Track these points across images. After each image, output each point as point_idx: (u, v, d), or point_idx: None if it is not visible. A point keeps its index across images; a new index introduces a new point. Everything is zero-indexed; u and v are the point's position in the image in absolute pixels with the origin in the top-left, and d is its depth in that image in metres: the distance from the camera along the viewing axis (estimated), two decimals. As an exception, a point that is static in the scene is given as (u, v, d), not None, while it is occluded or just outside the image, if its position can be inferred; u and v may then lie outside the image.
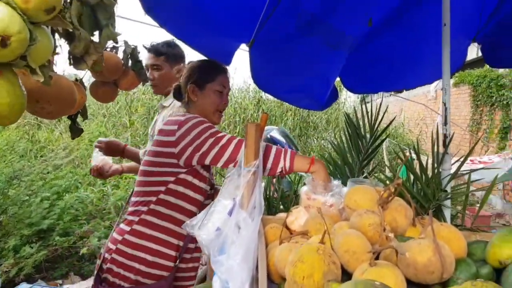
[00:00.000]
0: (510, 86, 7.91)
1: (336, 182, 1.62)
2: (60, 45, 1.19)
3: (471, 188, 1.83)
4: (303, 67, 2.55)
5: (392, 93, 11.19)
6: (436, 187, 1.76)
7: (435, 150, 1.88)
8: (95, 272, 1.77)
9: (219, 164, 1.65)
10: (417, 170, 1.84)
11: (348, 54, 2.54)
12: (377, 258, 0.96)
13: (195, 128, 1.66)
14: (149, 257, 1.70)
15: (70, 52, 1.12)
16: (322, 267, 0.93)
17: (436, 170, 1.82)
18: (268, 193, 2.09)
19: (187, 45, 1.86)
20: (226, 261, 1.19)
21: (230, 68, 2.06)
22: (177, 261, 1.77)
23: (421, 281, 0.89)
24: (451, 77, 2.34)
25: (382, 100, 3.28)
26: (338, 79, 2.92)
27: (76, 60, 1.16)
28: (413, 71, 2.83)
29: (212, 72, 1.87)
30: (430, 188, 1.77)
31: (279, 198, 2.07)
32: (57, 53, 1.15)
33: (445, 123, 1.97)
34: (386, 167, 3.67)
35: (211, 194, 1.88)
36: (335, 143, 2.34)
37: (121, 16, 1.22)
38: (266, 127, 4.09)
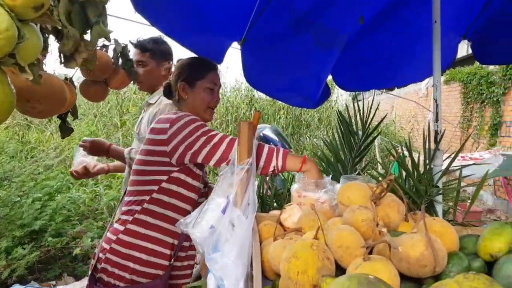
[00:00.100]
0: (500, 83, 7.99)
1: (328, 179, 1.62)
2: (50, 44, 1.18)
3: (463, 184, 1.85)
4: (295, 65, 2.55)
5: (384, 90, 11.25)
6: (428, 183, 1.78)
7: (427, 146, 1.89)
8: (90, 272, 1.76)
9: (211, 163, 1.64)
10: (409, 166, 1.85)
11: (340, 52, 2.55)
12: (370, 253, 0.97)
13: (187, 127, 1.65)
14: (144, 256, 1.69)
15: (59, 51, 1.11)
16: (316, 263, 0.94)
17: (427, 166, 1.84)
18: (261, 191, 2.10)
19: (179, 43, 1.85)
20: (220, 258, 1.19)
21: (222, 67, 2.06)
22: (172, 259, 1.77)
23: (414, 274, 0.90)
24: (442, 74, 2.36)
25: (373, 97, 3.30)
26: (330, 77, 2.93)
27: (66, 58, 1.15)
28: (405, 69, 2.85)
29: (202, 69, 1.87)
30: (422, 184, 1.78)
31: (273, 196, 2.08)
32: (47, 52, 1.14)
33: (436, 119, 1.99)
34: (379, 164, 3.69)
35: (205, 192, 1.88)
36: (328, 140, 2.35)
37: (111, 15, 1.21)
38: (259, 126, 4.09)
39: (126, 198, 1.79)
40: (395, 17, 2.45)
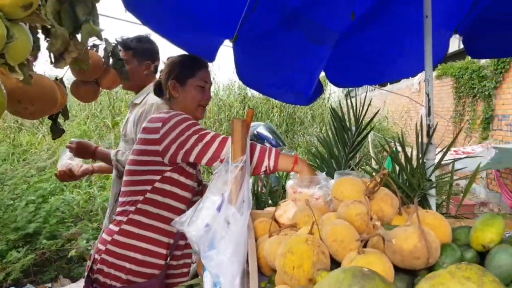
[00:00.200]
0: (492, 77, 8.05)
1: (322, 176, 1.63)
2: (40, 45, 1.17)
3: (455, 177, 1.87)
4: (287, 62, 2.56)
5: (377, 86, 11.31)
6: (421, 177, 1.80)
7: (419, 140, 1.91)
8: (86, 273, 1.75)
9: (203, 161, 1.64)
10: (402, 161, 1.87)
11: (332, 48, 2.56)
12: (365, 246, 0.97)
13: (179, 126, 1.65)
14: (140, 256, 1.69)
15: (48, 50, 1.10)
16: (311, 257, 0.94)
17: (420, 161, 1.85)
18: (256, 188, 2.10)
19: (170, 42, 1.85)
20: (216, 256, 1.19)
21: (214, 66, 2.06)
22: (168, 258, 1.77)
23: (408, 267, 0.91)
24: (434, 69, 2.37)
25: (366, 93, 3.31)
26: (323, 73, 2.94)
27: (56, 58, 1.14)
28: (397, 64, 2.87)
29: (192, 67, 1.86)
30: (415, 178, 1.80)
31: (267, 193, 2.08)
32: (39, 51, 1.13)
33: (429, 114, 2.00)
34: (372, 159, 3.71)
35: (199, 190, 1.88)
36: (322, 137, 2.36)
37: (102, 14, 1.20)
38: (253, 123, 4.09)
39: (120, 199, 1.79)
40: (387, 12, 2.46)
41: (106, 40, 1.59)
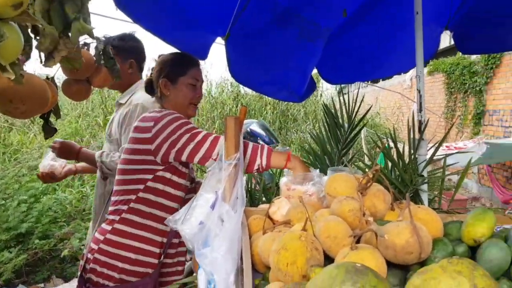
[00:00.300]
0: (482, 73, 8.12)
1: (315, 172, 1.64)
2: (32, 44, 1.16)
3: (447, 172, 1.88)
4: (279, 59, 2.56)
5: (369, 83, 11.36)
6: (413, 172, 1.81)
7: (411, 136, 1.92)
8: (79, 273, 1.75)
9: (195, 160, 1.64)
10: (395, 157, 1.88)
11: (324, 45, 2.56)
12: (358, 242, 0.98)
13: (171, 125, 1.64)
14: (133, 255, 1.69)
15: (37, 49, 1.09)
16: (305, 254, 0.95)
17: (412, 156, 1.87)
18: (250, 185, 2.10)
19: (162, 40, 1.84)
20: (210, 253, 1.20)
21: (206, 63, 2.05)
22: (162, 257, 1.77)
23: (400, 262, 0.92)
24: (425, 65, 2.39)
25: (358, 90, 3.33)
26: (315, 70, 2.95)
27: (46, 57, 1.13)
28: (389, 60, 2.88)
29: (183, 65, 1.85)
30: (407, 174, 1.81)
31: (261, 190, 2.09)
32: (31, 51, 1.12)
33: (420, 109, 2.02)
34: (365, 156, 3.73)
35: (193, 188, 1.88)
36: (315, 134, 2.37)
37: (92, 12, 1.19)
38: (246, 121, 4.09)
39: (113, 198, 1.78)
40: (378, 9, 2.47)
41: (97, 39, 1.57)
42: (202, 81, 1.94)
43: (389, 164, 1.89)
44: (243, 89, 10.80)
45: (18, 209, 4.25)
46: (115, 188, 1.78)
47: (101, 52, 1.64)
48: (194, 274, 1.55)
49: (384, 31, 2.60)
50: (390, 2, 2.45)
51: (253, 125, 4.46)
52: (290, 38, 2.39)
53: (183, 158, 1.64)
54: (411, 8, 2.04)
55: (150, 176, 1.70)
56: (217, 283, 1.14)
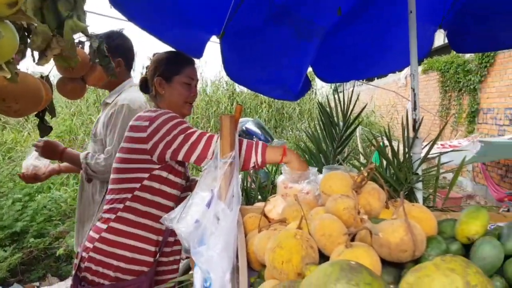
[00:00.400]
0: (476, 71, 8.16)
1: (312, 170, 1.64)
2: (27, 42, 1.15)
3: (442, 170, 1.89)
4: (274, 57, 2.56)
5: (364, 81, 11.39)
6: (407, 171, 1.82)
7: (406, 134, 1.93)
8: (73, 271, 1.74)
9: (191, 161, 1.64)
10: (390, 155, 1.89)
11: (319, 44, 2.57)
12: (352, 240, 0.99)
13: (166, 124, 1.64)
14: (128, 254, 1.69)
15: (30, 48, 1.08)
16: (300, 252, 0.96)
17: (407, 155, 1.88)
18: (245, 184, 2.11)
19: (157, 38, 1.83)
20: (206, 252, 1.20)
21: (201, 61, 2.04)
22: (157, 255, 1.77)
23: (394, 259, 0.92)
24: (419, 64, 2.39)
25: (353, 88, 3.33)
26: (310, 69, 2.95)
27: (39, 55, 1.12)
28: (383, 59, 2.89)
29: (179, 64, 1.85)
30: (402, 172, 1.82)
31: (257, 189, 2.09)
32: (26, 50, 1.11)
33: (414, 108, 2.03)
34: (360, 154, 3.74)
35: (188, 186, 1.88)
36: (310, 132, 2.38)
37: (86, 10, 1.19)
38: (241, 119, 4.09)
39: (108, 196, 1.78)
40: (372, 8, 2.48)
41: (92, 37, 1.57)
42: (197, 80, 1.94)
43: (384, 162, 1.90)
44: (238, 87, 10.80)
45: (13, 208, 4.23)
46: (110, 186, 1.77)
47: (95, 51, 1.63)
48: (191, 272, 1.56)
49: (379, 30, 2.61)
50: (384, 0, 2.46)
51: (248, 123, 4.47)
52: (285, 36, 2.39)
53: (180, 158, 1.64)
54: (405, 6, 2.05)
55: (146, 175, 1.69)
56: (213, 281, 1.15)
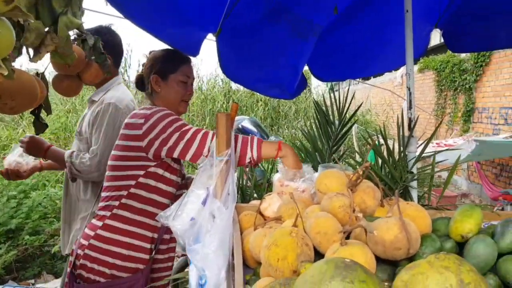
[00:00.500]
0: (472, 71, 8.20)
1: (307, 168, 1.65)
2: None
3: (436, 169, 1.90)
4: (271, 56, 2.56)
5: (360, 80, 11.41)
6: (402, 169, 1.83)
7: (401, 133, 1.94)
8: (69, 269, 1.74)
9: (187, 158, 1.64)
10: (385, 154, 1.90)
11: (315, 42, 2.57)
12: (347, 238, 0.99)
13: (161, 122, 1.64)
14: (124, 251, 1.69)
15: (22, 45, 1.07)
16: (296, 249, 0.96)
17: (402, 153, 1.89)
18: (241, 182, 2.11)
19: (153, 36, 1.83)
20: (201, 249, 1.20)
21: (197, 59, 2.03)
22: (153, 253, 1.77)
23: (389, 257, 0.93)
24: (415, 63, 2.40)
25: (349, 87, 3.35)
26: (306, 67, 2.95)
27: (34, 52, 1.11)
28: (379, 58, 2.90)
29: (175, 62, 1.85)
30: (397, 171, 1.83)
31: (252, 187, 2.09)
32: (22, 48, 1.10)
33: (410, 107, 2.04)
34: (356, 153, 3.76)
35: (183, 184, 1.88)
36: (306, 131, 2.38)
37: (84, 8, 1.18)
38: (237, 117, 4.09)
39: (103, 194, 1.78)
40: (368, 7, 2.48)
41: (88, 34, 1.56)
42: (193, 79, 1.94)
43: (379, 161, 1.91)
44: (234, 85, 10.80)
45: (8, 205, 4.21)
46: (106, 184, 1.77)
47: (91, 48, 1.63)
48: (186, 270, 1.56)
49: (375, 29, 2.62)
50: (380, 0, 2.46)
51: (244, 121, 4.47)
52: (282, 35, 2.39)
53: (175, 155, 1.64)
54: (401, 6, 2.06)
55: (142, 172, 1.70)
56: (208, 279, 1.15)
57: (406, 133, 1.96)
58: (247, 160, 1.65)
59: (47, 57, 1.61)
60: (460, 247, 1.02)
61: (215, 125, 1.47)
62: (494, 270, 0.93)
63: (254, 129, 4.41)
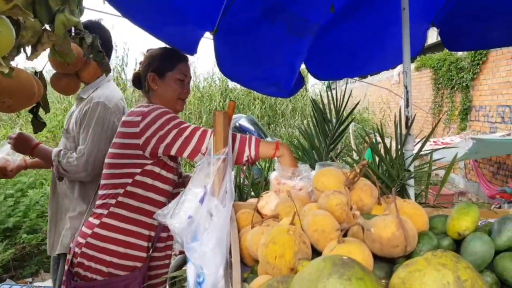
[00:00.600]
0: (469, 69, 8.21)
1: (304, 166, 1.65)
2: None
3: (434, 167, 1.91)
4: (268, 54, 2.56)
5: (357, 78, 11.42)
6: (400, 167, 1.83)
7: (398, 131, 1.94)
8: (66, 267, 1.74)
9: (184, 155, 1.64)
10: (382, 152, 1.90)
11: (312, 41, 2.57)
12: (345, 235, 1.00)
13: (158, 119, 1.64)
14: (121, 249, 1.69)
15: (19, 43, 1.07)
16: (293, 247, 0.96)
17: (399, 151, 1.89)
18: (238, 180, 2.11)
19: (151, 34, 1.83)
20: (199, 247, 1.20)
21: (194, 57, 2.03)
22: (150, 251, 1.77)
23: (386, 254, 0.93)
24: (412, 61, 2.41)
25: (346, 85, 3.35)
26: (303, 66, 2.95)
27: (31, 50, 1.11)
28: (376, 56, 2.90)
29: (172, 60, 1.85)
30: (394, 169, 1.83)
31: (250, 185, 2.10)
32: (21, 47, 1.10)
33: (407, 105, 2.04)
34: (353, 151, 3.77)
35: (180, 182, 1.88)
36: (303, 129, 2.38)
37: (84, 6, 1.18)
38: (235, 116, 4.08)
39: (100, 192, 1.78)
40: (365, 5, 2.49)
41: (86, 32, 1.55)
42: (190, 77, 1.94)
43: (377, 159, 1.91)
44: (231, 84, 10.78)
45: (5, 204, 4.20)
46: (103, 182, 1.77)
47: (89, 46, 1.62)
48: (184, 268, 1.56)
49: (372, 27, 2.62)
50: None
51: (241, 120, 4.46)
52: (279, 33, 2.39)
53: (172, 152, 1.64)
54: (398, 4, 2.06)
55: (138, 170, 1.69)
56: (206, 277, 1.15)
57: (403, 131, 1.97)
58: (245, 158, 1.65)
59: (45, 55, 1.62)
60: (457, 245, 1.02)
61: (212, 124, 1.47)
62: (491, 268, 0.93)
63: (251, 127, 4.41)
